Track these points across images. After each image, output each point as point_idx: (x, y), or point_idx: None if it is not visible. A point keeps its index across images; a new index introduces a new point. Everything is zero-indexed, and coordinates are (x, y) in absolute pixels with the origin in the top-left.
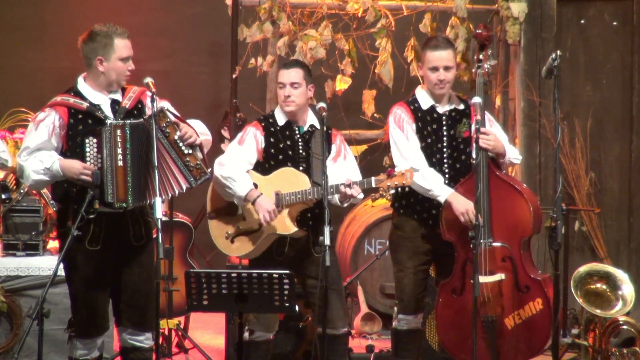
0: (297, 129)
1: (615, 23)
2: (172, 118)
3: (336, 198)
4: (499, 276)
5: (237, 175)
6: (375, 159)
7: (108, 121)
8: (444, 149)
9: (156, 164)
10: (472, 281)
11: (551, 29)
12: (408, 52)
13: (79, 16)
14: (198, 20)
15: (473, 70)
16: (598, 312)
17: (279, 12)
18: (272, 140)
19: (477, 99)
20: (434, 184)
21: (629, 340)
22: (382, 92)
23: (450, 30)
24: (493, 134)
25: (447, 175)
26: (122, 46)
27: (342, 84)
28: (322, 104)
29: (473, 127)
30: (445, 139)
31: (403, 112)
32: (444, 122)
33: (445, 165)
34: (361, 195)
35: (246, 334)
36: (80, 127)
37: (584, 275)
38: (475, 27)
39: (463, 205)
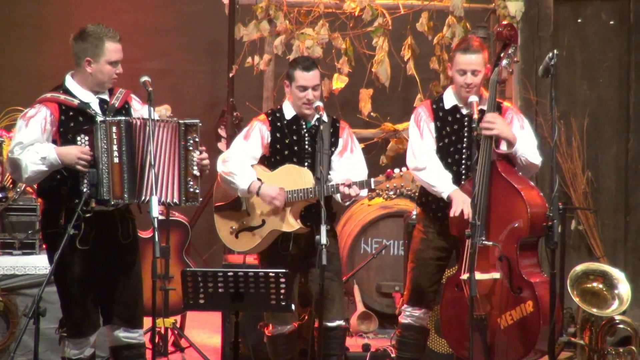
0: (304, 123)
1: (612, 22)
2: (197, 139)
3: (338, 196)
4: (493, 275)
5: (238, 170)
6: (372, 158)
7: (99, 118)
8: (463, 150)
9: (154, 163)
10: (461, 278)
11: (548, 28)
12: (405, 51)
13: (77, 15)
14: (195, 19)
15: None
16: (594, 311)
17: (275, 11)
18: (278, 135)
19: (473, 98)
20: (438, 180)
21: (625, 339)
22: (379, 90)
23: (447, 29)
24: (500, 119)
25: (463, 176)
26: (112, 49)
27: (338, 82)
28: (319, 103)
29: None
30: (465, 139)
31: (423, 111)
32: (466, 123)
33: (463, 166)
34: (364, 193)
35: (267, 329)
36: (72, 124)
37: (580, 274)
38: (472, 26)
39: (461, 200)
